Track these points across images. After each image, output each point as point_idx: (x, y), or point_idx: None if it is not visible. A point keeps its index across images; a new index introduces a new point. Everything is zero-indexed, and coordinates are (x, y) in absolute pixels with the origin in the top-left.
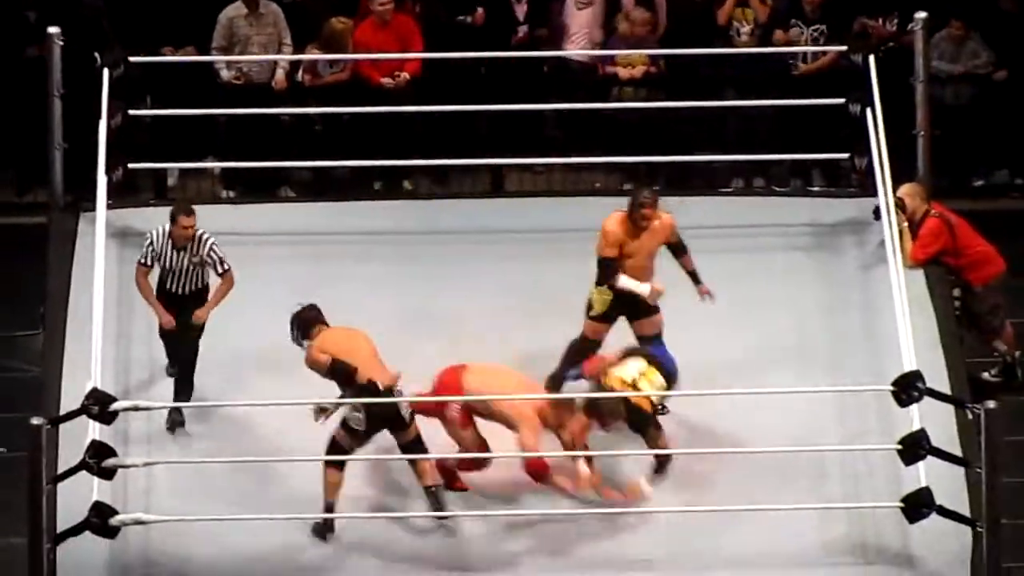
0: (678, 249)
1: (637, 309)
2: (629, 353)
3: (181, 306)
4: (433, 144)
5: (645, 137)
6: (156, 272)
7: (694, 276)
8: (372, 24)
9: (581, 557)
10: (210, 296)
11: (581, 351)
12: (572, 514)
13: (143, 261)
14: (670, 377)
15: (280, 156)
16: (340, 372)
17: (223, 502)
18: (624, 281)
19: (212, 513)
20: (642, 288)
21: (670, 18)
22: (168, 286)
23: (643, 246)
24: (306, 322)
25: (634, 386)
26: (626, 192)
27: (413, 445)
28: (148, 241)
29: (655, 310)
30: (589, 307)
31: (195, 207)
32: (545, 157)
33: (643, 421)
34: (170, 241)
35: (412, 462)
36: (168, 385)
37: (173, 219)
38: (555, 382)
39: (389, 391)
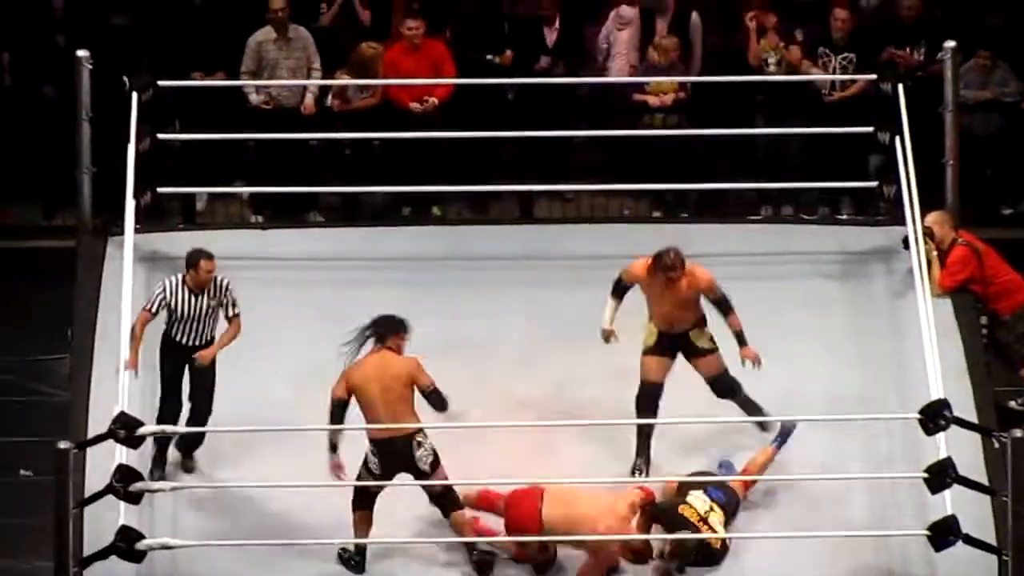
0: (720, 306)
1: (688, 345)
2: (687, 485)
3: (187, 359)
4: (463, 170)
5: (674, 164)
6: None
7: (739, 337)
8: (403, 48)
9: None
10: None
11: (647, 398)
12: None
13: (149, 308)
14: (727, 512)
15: (309, 181)
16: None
17: (248, 528)
18: (607, 308)
19: (238, 538)
20: (603, 319)
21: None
22: (176, 336)
23: (669, 297)
24: (380, 336)
25: (705, 521)
26: (655, 219)
27: (442, 497)
28: (160, 289)
29: (709, 349)
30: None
31: (224, 231)
32: (574, 184)
33: (711, 559)
34: (186, 288)
35: (447, 515)
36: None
37: (194, 264)
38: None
39: (405, 437)
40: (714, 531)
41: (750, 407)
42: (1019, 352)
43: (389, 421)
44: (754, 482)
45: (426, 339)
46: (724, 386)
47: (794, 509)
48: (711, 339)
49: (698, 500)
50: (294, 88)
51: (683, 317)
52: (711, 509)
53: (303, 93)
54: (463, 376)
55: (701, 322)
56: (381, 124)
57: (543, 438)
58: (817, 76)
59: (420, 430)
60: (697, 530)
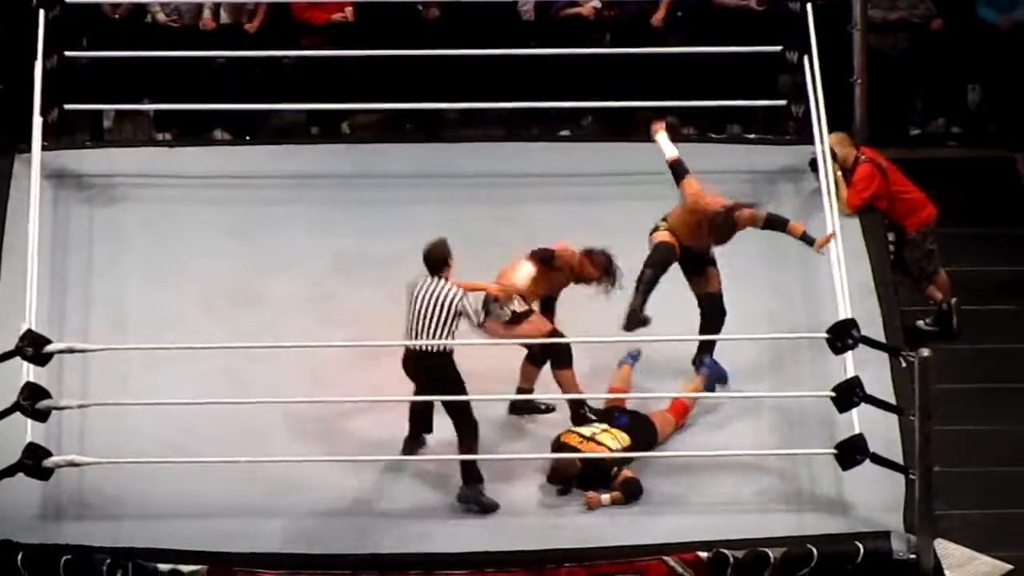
0: (774, 226)
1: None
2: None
3: None
4: (373, 89)
5: (585, 82)
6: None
7: (806, 239)
8: None
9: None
10: None
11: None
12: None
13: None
14: (633, 436)
15: (215, 99)
16: None
17: (157, 444)
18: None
19: (148, 456)
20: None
21: None
22: None
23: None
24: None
25: (592, 439)
26: (561, 138)
27: None
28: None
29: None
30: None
31: (131, 149)
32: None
33: (603, 476)
34: None
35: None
36: (105, 324)
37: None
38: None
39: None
40: (605, 447)
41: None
42: (925, 271)
43: None
44: (687, 411)
45: (338, 256)
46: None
47: (703, 429)
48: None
49: (589, 427)
50: (196, 5)
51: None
52: (604, 431)
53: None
54: (376, 292)
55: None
56: (291, 42)
57: None
58: None
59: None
60: (577, 451)
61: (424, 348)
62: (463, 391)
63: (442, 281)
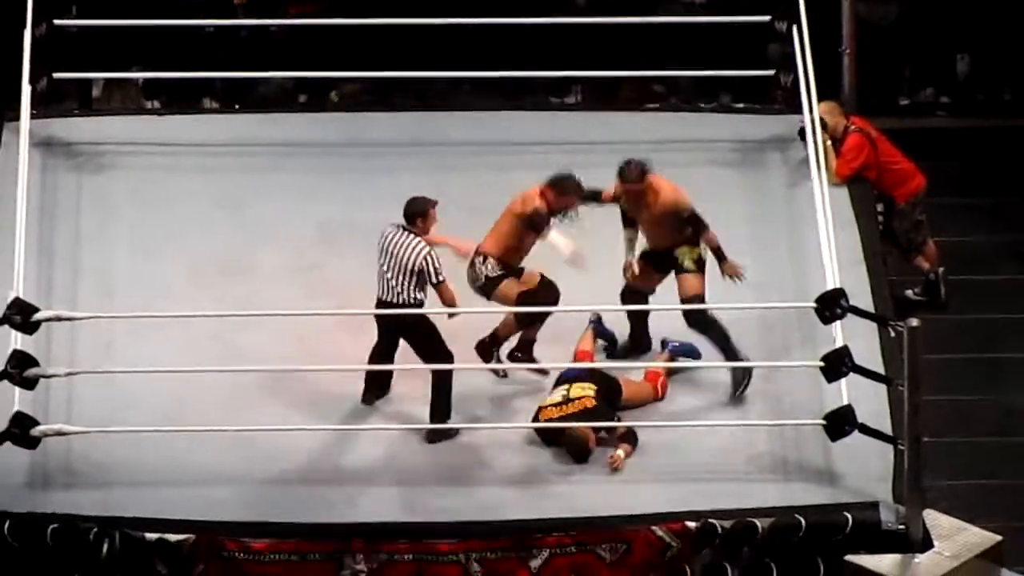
0: (693, 224)
1: (674, 261)
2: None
3: None
4: (362, 58)
5: (574, 51)
6: None
7: (717, 253)
8: None
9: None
10: None
11: (628, 294)
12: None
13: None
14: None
15: (204, 67)
16: None
17: (146, 412)
18: (552, 236)
19: (136, 424)
20: (563, 246)
21: None
22: None
23: (644, 215)
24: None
25: (566, 401)
26: (549, 106)
27: None
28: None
29: (689, 269)
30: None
31: (119, 117)
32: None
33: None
34: None
35: None
36: (93, 292)
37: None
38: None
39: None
40: (584, 398)
41: (726, 349)
42: (914, 241)
43: None
44: (661, 380)
45: (326, 224)
46: (696, 314)
47: (690, 398)
48: (696, 261)
49: (554, 395)
50: None
51: (661, 234)
52: (567, 389)
53: None
54: (363, 261)
55: (689, 240)
56: (275, 10)
57: None
58: None
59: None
60: (566, 428)
61: (389, 300)
62: (433, 334)
63: (409, 235)
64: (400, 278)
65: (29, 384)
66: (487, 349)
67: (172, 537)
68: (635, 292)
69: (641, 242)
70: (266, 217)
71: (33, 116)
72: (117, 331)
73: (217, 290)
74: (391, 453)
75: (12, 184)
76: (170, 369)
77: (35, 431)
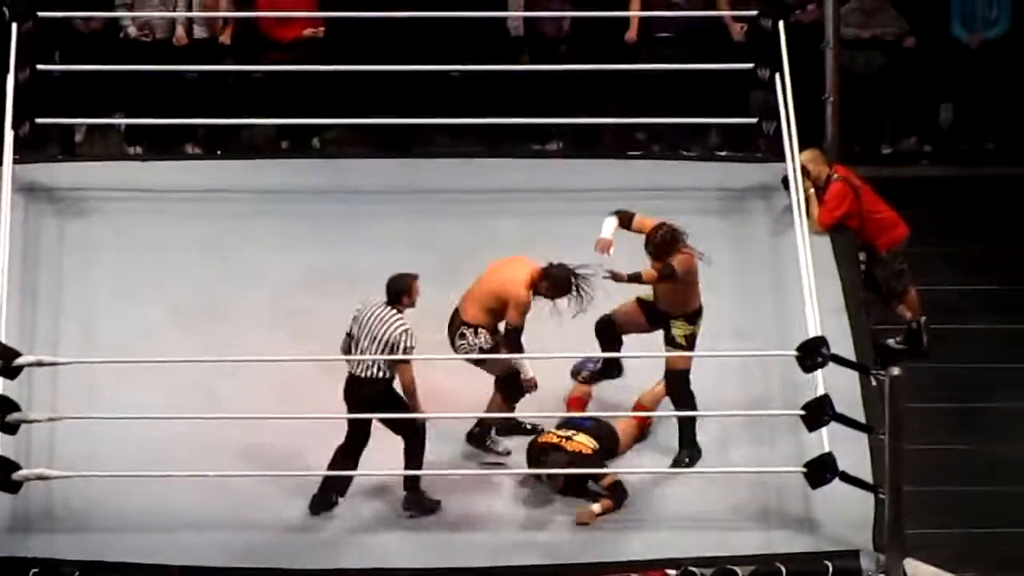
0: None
1: (667, 328)
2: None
3: None
4: (344, 104)
5: (555, 99)
6: None
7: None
8: None
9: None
10: None
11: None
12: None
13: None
14: (599, 440)
15: (186, 113)
16: None
17: (127, 457)
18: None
19: (117, 469)
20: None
21: None
22: None
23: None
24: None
25: (568, 439)
26: (533, 153)
27: None
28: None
29: (678, 344)
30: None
31: (101, 163)
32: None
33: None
34: None
35: None
36: (76, 336)
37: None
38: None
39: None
40: (584, 446)
41: (685, 430)
42: (895, 289)
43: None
44: (647, 422)
45: (309, 270)
46: (677, 386)
47: (671, 446)
48: (687, 337)
49: (558, 432)
50: (168, 20)
51: (668, 299)
52: (574, 435)
53: (175, 25)
54: (346, 306)
55: (688, 315)
56: (257, 57)
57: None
58: (700, 12)
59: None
60: (561, 448)
61: (362, 376)
62: (405, 408)
63: (391, 311)
64: (375, 351)
65: (11, 429)
66: (481, 438)
67: None
68: (611, 325)
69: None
70: (249, 262)
71: (16, 161)
72: (99, 375)
73: (200, 335)
74: (372, 499)
75: None
76: (151, 416)
77: (16, 475)
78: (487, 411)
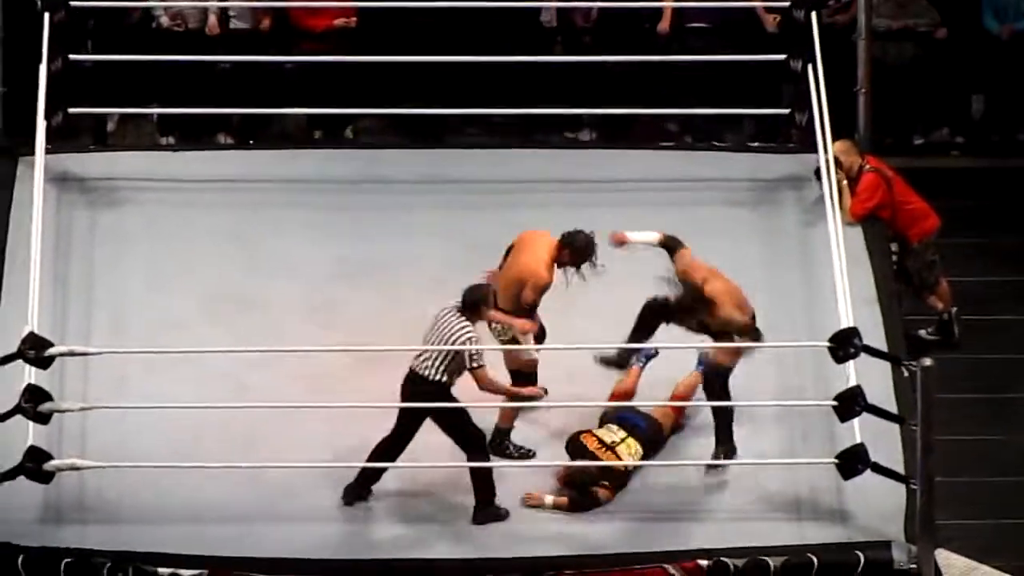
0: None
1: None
2: (606, 419)
3: None
4: (376, 93)
5: (587, 89)
6: None
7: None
8: None
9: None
10: None
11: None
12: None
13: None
14: (645, 444)
15: (219, 103)
16: None
17: (158, 447)
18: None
19: (149, 459)
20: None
21: None
22: None
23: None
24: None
25: (611, 449)
26: (563, 144)
27: None
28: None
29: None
30: None
31: (134, 153)
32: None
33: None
34: None
35: None
36: (107, 327)
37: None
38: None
39: None
40: (619, 459)
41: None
42: (927, 280)
43: None
44: (683, 410)
45: (340, 261)
46: (715, 387)
47: (703, 438)
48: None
49: (609, 432)
50: (200, 9)
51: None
52: (622, 440)
53: (207, 14)
54: (378, 297)
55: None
56: (289, 47)
57: None
58: (733, 3)
59: None
60: (596, 458)
61: (420, 372)
62: (458, 413)
63: (462, 319)
64: (437, 354)
65: (43, 419)
66: (501, 446)
67: (185, 572)
68: (661, 309)
69: None
70: (280, 253)
71: (48, 151)
72: (130, 366)
73: (231, 326)
74: (403, 490)
75: (27, 219)
76: (183, 405)
77: (48, 465)
78: (499, 423)
